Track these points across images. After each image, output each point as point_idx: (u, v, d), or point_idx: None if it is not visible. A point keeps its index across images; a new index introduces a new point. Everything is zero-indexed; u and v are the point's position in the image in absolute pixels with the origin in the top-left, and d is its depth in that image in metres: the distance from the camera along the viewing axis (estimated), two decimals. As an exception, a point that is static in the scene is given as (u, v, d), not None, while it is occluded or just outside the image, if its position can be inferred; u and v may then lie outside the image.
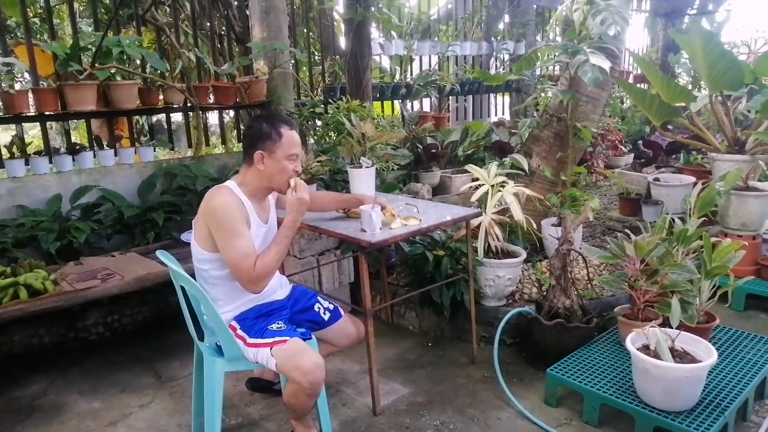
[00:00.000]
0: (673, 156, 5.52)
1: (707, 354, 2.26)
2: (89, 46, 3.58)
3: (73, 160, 3.71)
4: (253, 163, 2.15)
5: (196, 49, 4.19)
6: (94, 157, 3.83)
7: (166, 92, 4.00)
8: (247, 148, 2.18)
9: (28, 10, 3.77)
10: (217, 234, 2.05)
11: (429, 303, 3.21)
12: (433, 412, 2.60)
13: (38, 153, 3.66)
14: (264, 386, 2.74)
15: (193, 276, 2.13)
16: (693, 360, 2.28)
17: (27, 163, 3.56)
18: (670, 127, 5.62)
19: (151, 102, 3.92)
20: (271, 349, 2.07)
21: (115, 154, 3.88)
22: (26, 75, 5.03)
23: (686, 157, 5.10)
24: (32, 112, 3.53)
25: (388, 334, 3.41)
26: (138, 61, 4.01)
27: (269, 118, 2.20)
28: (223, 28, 4.90)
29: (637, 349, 2.29)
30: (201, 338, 2.34)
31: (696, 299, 2.65)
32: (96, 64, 3.52)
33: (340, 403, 2.69)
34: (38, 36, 5.77)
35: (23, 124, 3.74)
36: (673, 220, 2.94)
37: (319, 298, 2.49)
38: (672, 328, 2.44)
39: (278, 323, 2.17)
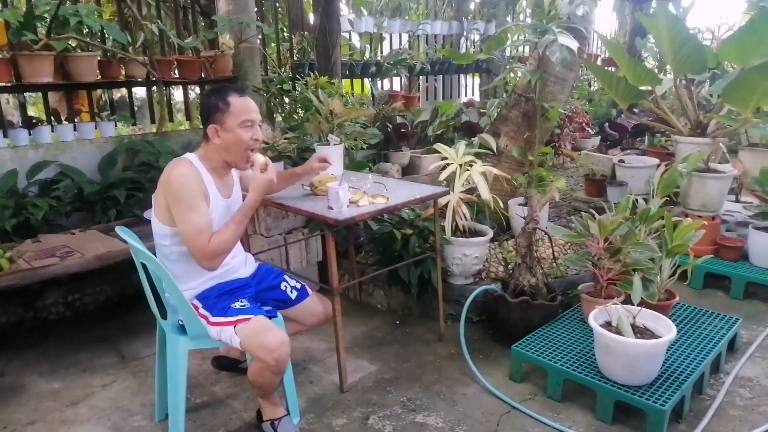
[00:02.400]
0: (638, 138, 5.62)
1: (667, 330, 2.32)
2: (44, 15, 3.43)
3: (30, 134, 3.57)
4: (209, 138, 2.10)
5: (159, 22, 4.05)
6: (53, 131, 3.69)
7: (127, 65, 3.86)
8: (203, 124, 2.13)
9: (-21, -25, 3.58)
10: (173, 207, 2.00)
11: (397, 281, 3.22)
12: (399, 388, 2.61)
13: (-9, 127, 3.51)
14: (230, 364, 2.72)
15: (154, 253, 2.08)
16: (653, 336, 2.34)
17: (-21, 137, 3.42)
18: (635, 110, 5.71)
19: (111, 75, 3.78)
20: (234, 327, 2.04)
21: (75, 129, 3.74)
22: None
23: (651, 139, 5.20)
24: (-16, 83, 3.38)
25: (356, 313, 3.41)
26: (98, 33, 3.86)
27: (217, 90, 2.13)
28: (188, 0, 4.75)
29: (600, 326, 2.34)
30: (164, 316, 2.29)
31: (657, 277, 2.72)
32: (52, 35, 3.38)
33: (308, 381, 2.69)
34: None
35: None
36: (637, 200, 2.99)
37: (285, 276, 2.46)
38: (633, 305, 2.49)
39: (241, 301, 2.13)
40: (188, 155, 2.13)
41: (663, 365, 2.34)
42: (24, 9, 3.53)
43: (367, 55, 5.93)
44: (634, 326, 2.35)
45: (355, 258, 3.50)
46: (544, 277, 2.97)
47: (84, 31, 3.63)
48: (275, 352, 1.98)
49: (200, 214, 2.00)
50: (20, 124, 3.65)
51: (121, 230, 2.11)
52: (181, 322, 2.19)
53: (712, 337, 2.65)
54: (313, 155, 2.67)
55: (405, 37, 6.31)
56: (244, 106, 2.09)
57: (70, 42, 3.48)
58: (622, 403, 2.25)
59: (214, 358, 2.72)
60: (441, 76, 6.80)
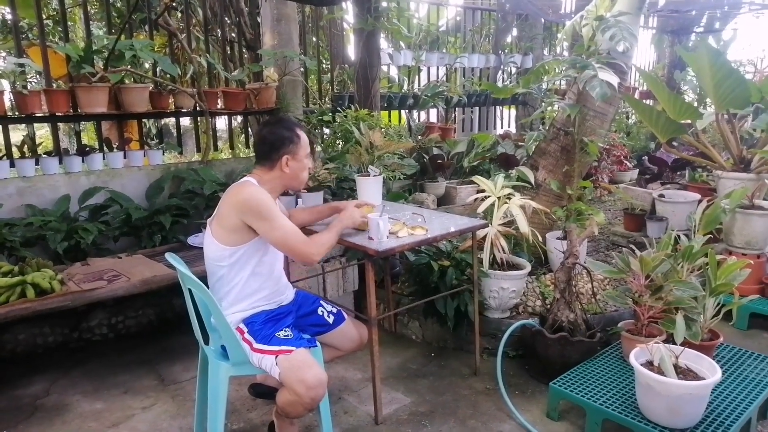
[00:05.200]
0: (678, 173, 5.53)
1: (711, 372, 2.26)
2: (102, 49, 3.62)
3: (83, 161, 3.74)
4: (275, 167, 2.25)
5: (207, 55, 4.23)
6: (104, 159, 3.85)
7: (176, 96, 4.03)
8: (269, 154, 2.24)
9: (42, 12, 3.80)
10: (257, 220, 2.11)
11: (433, 313, 3.22)
12: (434, 422, 2.60)
13: (48, 153, 3.69)
14: (266, 392, 2.74)
15: (201, 279, 2.15)
16: (696, 377, 2.29)
17: (37, 163, 3.59)
18: (675, 143, 5.65)
19: (161, 106, 3.95)
20: (276, 357, 2.08)
21: (124, 157, 3.90)
22: (38, 76, 5.07)
23: (691, 174, 5.11)
24: (43, 112, 3.56)
25: (391, 343, 3.41)
26: (148, 65, 4.04)
27: (284, 123, 2.31)
28: (234, 34, 4.95)
29: (641, 365, 2.29)
30: (207, 342, 2.35)
31: (700, 316, 2.66)
32: (109, 67, 3.56)
33: (342, 411, 2.70)
34: (50, 38, 5.82)
35: (34, 124, 3.77)
36: (679, 236, 2.95)
37: (321, 302, 2.53)
38: (676, 344, 2.44)
39: (285, 330, 2.18)
40: (249, 178, 2.24)
41: (707, 408, 2.27)
42: (82, 43, 3.73)
43: (405, 87, 6.03)
44: (676, 366, 2.30)
45: (391, 288, 3.52)
46: (583, 313, 2.93)
47: (136, 63, 3.81)
48: (313, 391, 2.02)
49: (286, 219, 2.19)
50: (74, 152, 3.82)
51: (170, 257, 2.19)
52: (223, 348, 2.24)
53: (760, 380, 2.57)
54: (342, 203, 2.76)
55: (442, 70, 6.40)
56: (306, 139, 2.32)
57: (122, 74, 3.66)
58: (665, 446, 2.19)
59: (252, 385, 2.76)
60: (477, 107, 6.85)
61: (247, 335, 2.17)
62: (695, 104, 5.95)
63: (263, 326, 2.18)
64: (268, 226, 2.12)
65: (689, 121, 3.86)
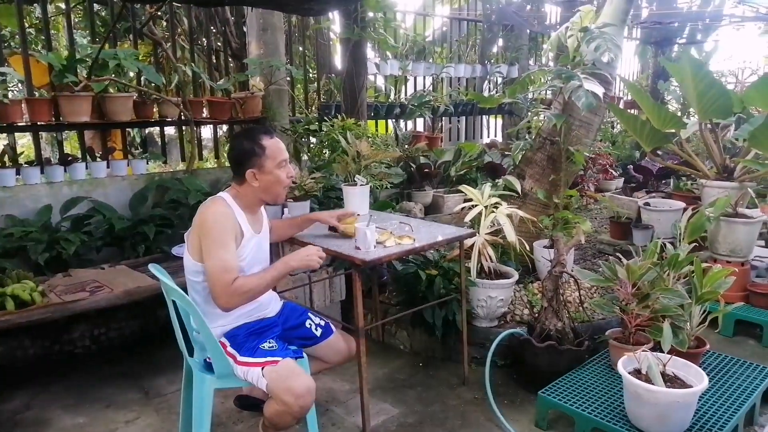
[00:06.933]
0: (663, 181, 5.59)
1: (698, 379, 2.26)
2: (86, 58, 3.58)
3: (65, 170, 3.69)
4: (245, 181, 2.16)
5: (193, 64, 4.20)
6: (87, 168, 3.80)
7: (161, 105, 4.00)
8: (236, 168, 2.17)
9: (24, 20, 3.76)
10: (204, 241, 2.03)
11: (420, 322, 3.20)
12: (423, 433, 2.57)
13: (30, 163, 3.63)
14: (252, 404, 2.69)
15: (184, 290, 2.12)
16: (684, 385, 2.29)
17: (18, 172, 3.53)
18: (660, 152, 5.70)
19: (145, 115, 3.92)
20: (262, 369, 2.05)
21: (108, 166, 3.85)
22: (20, 85, 5.00)
23: (676, 182, 5.16)
24: (25, 122, 3.51)
25: (379, 354, 3.38)
26: (132, 74, 4.01)
27: (248, 134, 2.20)
28: (220, 43, 4.93)
29: (629, 373, 2.29)
30: (191, 354, 2.31)
31: (687, 324, 2.66)
32: (92, 76, 3.52)
33: (330, 423, 2.66)
34: (33, 46, 5.75)
35: (15, 133, 3.71)
36: (664, 244, 2.96)
37: (309, 314, 2.49)
38: (663, 352, 2.44)
39: (270, 342, 2.15)
40: (222, 194, 2.18)
41: (695, 416, 2.28)
42: (65, 52, 3.69)
43: (391, 96, 6.04)
44: (664, 374, 2.30)
45: (379, 298, 3.50)
46: (571, 321, 2.93)
47: (120, 72, 3.78)
48: (301, 399, 1.99)
49: (229, 252, 2.03)
50: (56, 161, 3.77)
51: (153, 268, 2.15)
52: (208, 360, 2.20)
53: (746, 387, 2.58)
54: (319, 214, 2.72)
55: (429, 80, 6.43)
56: (277, 148, 2.17)
57: (106, 83, 3.62)
58: (654, 455, 2.19)
59: (237, 398, 2.71)
60: (464, 117, 6.88)
61: (229, 349, 2.13)
62: (679, 114, 6.03)
63: (246, 339, 2.14)
64: (208, 250, 2.00)
65: (673, 131, 3.90)
